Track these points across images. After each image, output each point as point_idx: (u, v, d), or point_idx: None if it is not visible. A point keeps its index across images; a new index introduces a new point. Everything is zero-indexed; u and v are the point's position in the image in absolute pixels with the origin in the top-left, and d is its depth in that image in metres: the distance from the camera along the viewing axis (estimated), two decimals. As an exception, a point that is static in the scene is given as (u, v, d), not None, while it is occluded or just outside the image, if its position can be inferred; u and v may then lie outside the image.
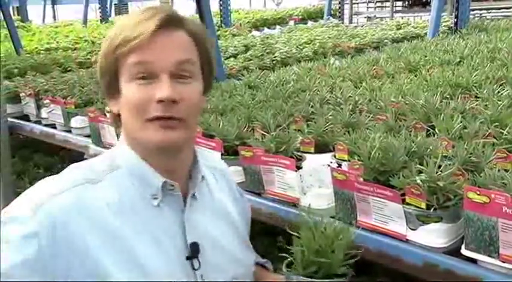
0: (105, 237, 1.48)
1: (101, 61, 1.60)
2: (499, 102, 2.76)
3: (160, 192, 1.58)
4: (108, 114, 3.52)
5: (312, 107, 3.17)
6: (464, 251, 1.81)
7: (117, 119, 1.64)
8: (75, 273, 1.45)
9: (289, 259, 1.75)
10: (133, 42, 1.50)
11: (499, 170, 1.93)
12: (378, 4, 22.25)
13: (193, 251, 1.60)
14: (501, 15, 15.20)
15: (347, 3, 15.84)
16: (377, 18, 19.02)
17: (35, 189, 1.55)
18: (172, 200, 1.61)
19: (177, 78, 1.53)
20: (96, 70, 1.64)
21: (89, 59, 6.60)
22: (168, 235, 1.58)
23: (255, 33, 9.62)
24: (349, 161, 2.30)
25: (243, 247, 1.80)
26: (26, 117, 4.70)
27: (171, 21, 1.55)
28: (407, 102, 3.00)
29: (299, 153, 2.50)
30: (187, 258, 1.59)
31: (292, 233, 1.76)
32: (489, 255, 1.74)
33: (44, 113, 4.36)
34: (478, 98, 3.09)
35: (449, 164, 2.00)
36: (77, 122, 3.97)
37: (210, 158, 1.90)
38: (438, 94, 3.06)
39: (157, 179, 1.58)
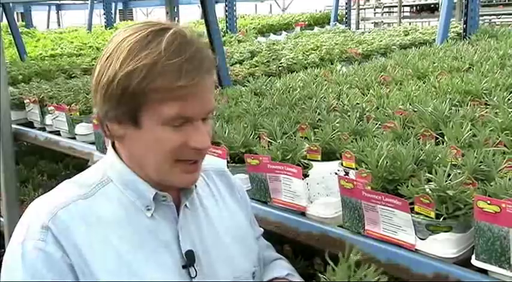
0: (101, 251, 1.51)
1: (120, 88, 1.48)
2: (510, 110, 2.73)
3: (152, 203, 1.60)
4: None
5: (318, 114, 3.15)
6: (474, 262, 1.78)
7: (114, 138, 1.62)
8: None
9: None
10: (175, 93, 1.46)
11: (510, 179, 1.90)
12: (385, 10, 22.24)
13: (189, 260, 1.62)
14: (511, 21, 15.19)
15: (354, 9, 15.86)
16: (384, 23, 19.07)
17: (30, 212, 1.57)
18: (165, 211, 1.63)
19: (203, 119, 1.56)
20: (103, 85, 1.52)
21: (93, 65, 6.54)
22: (164, 245, 1.60)
23: (260, 39, 9.59)
24: (356, 169, 2.27)
25: (240, 251, 1.80)
26: (30, 124, 4.67)
27: (210, 67, 1.54)
28: (415, 109, 2.97)
29: (306, 161, 2.47)
30: (184, 267, 1.60)
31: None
32: (500, 266, 1.70)
33: (48, 119, 4.33)
34: (488, 105, 3.05)
35: (459, 173, 1.97)
36: (81, 129, 3.95)
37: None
38: (447, 101, 3.02)
39: (149, 191, 1.60)
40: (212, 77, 1.57)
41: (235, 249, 1.78)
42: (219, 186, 1.88)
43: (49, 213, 1.50)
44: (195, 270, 1.61)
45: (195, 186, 1.72)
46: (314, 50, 6.61)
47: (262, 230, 2.11)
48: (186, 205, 1.68)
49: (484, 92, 3.31)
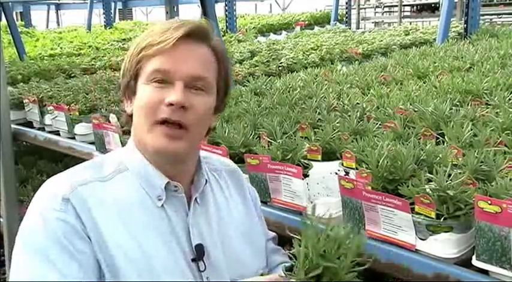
0: (116, 229, 1.55)
1: (125, 62, 1.69)
2: (510, 110, 2.72)
3: (164, 193, 1.63)
4: (111, 121, 3.50)
5: (318, 114, 3.14)
6: (475, 262, 1.78)
7: (129, 120, 1.72)
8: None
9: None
10: (156, 47, 1.60)
11: (510, 179, 1.89)
12: (386, 9, 22.23)
13: (199, 253, 1.64)
14: (512, 21, 15.21)
15: (354, 9, 15.87)
16: (385, 23, 19.06)
17: (48, 187, 1.60)
18: (176, 202, 1.66)
19: (190, 88, 1.61)
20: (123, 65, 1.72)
21: (93, 65, 6.55)
22: (174, 237, 1.62)
23: (260, 38, 9.58)
24: (356, 169, 2.26)
25: (249, 249, 1.82)
26: (29, 124, 4.67)
27: (197, 34, 1.65)
28: (416, 109, 2.97)
29: (306, 161, 2.46)
30: (193, 260, 1.63)
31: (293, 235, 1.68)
32: (501, 266, 1.70)
33: (47, 119, 4.32)
34: (489, 105, 3.05)
35: (460, 173, 1.97)
36: (81, 128, 3.95)
37: (215, 160, 1.95)
38: (448, 101, 3.03)
39: (161, 180, 1.64)
40: (204, 48, 1.67)
41: (244, 247, 1.80)
42: (230, 185, 1.90)
43: (69, 187, 1.55)
44: (204, 264, 1.64)
45: (206, 181, 1.76)
46: (314, 50, 6.60)
47: (274, 234, 2.09)
48: (196, 200, 1.71)
49: (485, 91, 3.30)
